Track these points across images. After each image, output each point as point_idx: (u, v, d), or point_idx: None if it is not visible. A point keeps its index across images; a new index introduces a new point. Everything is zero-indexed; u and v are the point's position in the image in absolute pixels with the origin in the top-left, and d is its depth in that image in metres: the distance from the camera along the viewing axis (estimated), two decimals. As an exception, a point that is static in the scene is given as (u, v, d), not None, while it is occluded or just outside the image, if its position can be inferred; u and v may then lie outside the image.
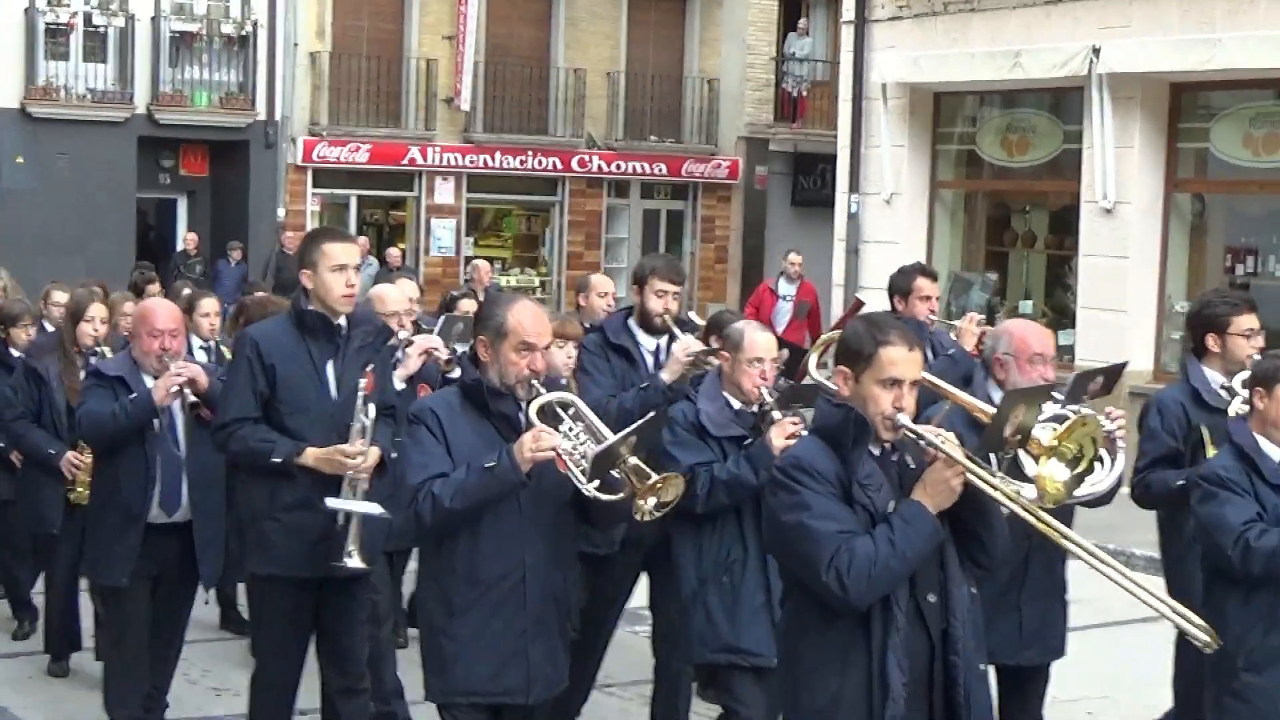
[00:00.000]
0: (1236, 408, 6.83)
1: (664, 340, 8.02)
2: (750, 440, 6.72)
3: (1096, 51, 16.59)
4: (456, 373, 7.34)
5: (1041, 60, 17.26)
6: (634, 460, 5.64)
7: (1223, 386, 7.20)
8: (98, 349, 8.87)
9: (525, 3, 30.76)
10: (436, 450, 5.68)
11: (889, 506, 4.84)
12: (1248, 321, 7.36)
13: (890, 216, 19.55)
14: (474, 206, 30.93)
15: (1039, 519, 4.84)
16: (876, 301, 19.03)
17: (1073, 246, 17.86)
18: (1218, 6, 15.89)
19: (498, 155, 30.23)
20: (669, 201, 32.94)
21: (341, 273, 6.83)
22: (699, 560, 6.78)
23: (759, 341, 6.82)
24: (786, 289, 21.16)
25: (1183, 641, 6.44)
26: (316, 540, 6.79)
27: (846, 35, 20.27)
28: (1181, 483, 6.91)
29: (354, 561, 6.75)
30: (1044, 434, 5.22)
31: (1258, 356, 7.12)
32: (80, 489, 8.70)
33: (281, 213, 28.37)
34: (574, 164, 31.03)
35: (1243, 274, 16.92)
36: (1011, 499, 4.79)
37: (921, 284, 9.27)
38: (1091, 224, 17.31)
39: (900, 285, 9.35)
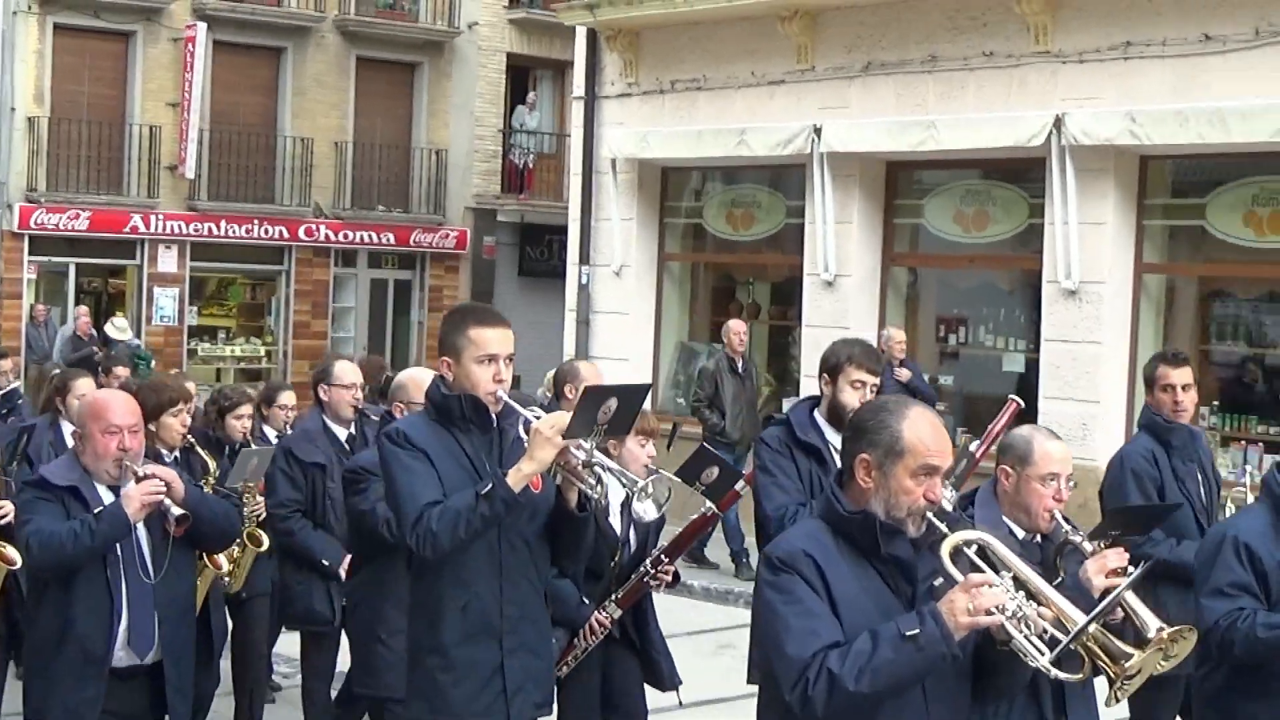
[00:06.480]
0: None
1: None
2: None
3: (818, 131, 17.01)
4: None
5: (765, 138, 17.60)
6: (1094, 628, 4.22)
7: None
8: None
9: (251, 70, 30.50)
10: (820, 610, 4.14)
11: None
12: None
13: (619, 287, 19.77)
14: (197, 275, 30.48)
15: None
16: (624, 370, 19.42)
17: (795, 317, 18.22)
18: (930, 90, 16.46)
19: (223, 223, 29.86)
20: (396, 271, 32.89)
21: (490, 364, 5.61)
22: None
23: (1053, 453, 5.43)
24: None
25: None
26: (489, 678, 5.65)
27: (576, 110, 20.50)
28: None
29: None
30: None
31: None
32: None
33: (-4, 280, 27.63)
34: (301, 233, 30.80)
35: (954, 343, 17.50)
36: None
37: (1165, 372, 7.61)
38: (813, 296, 17.65)
39: (1153, 376, 7.74)
